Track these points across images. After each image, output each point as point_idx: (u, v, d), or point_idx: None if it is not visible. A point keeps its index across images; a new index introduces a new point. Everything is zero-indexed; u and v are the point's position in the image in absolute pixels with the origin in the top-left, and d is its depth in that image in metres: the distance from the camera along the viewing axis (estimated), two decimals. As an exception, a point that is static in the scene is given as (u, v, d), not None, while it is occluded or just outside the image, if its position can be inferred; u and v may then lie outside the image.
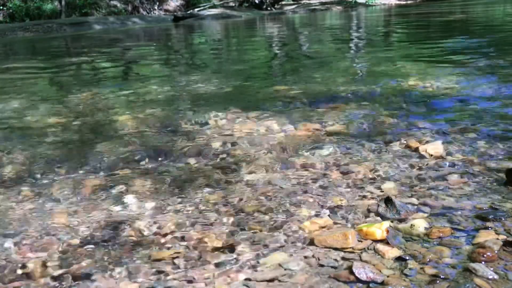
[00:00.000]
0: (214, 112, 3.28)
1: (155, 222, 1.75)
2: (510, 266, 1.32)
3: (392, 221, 1.63)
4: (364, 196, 1.85)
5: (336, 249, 1.48)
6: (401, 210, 1.67)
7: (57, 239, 1.66)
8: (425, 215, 1.66)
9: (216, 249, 1.54)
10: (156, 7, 21.82)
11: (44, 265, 1.50)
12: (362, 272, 1.33)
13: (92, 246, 1.60)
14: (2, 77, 5.98)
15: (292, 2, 25.19)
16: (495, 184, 1.87)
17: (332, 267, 1.39)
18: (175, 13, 20.22)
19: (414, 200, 1.78)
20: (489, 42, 6.31)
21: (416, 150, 2.29)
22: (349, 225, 1.63)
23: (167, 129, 2.97)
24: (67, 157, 2.56)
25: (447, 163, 2.11)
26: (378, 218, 1.67)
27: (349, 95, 3.59)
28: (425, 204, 1.74)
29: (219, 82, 4.57)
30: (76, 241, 1.64)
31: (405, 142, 2.41)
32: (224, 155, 2.43)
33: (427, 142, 2.38)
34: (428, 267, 1.34)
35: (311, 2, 24.94)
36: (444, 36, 7.97)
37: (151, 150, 2.57)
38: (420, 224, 1.58)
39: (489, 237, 1.46)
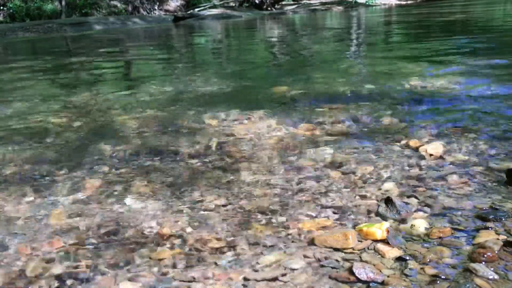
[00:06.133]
0: (214, 112, 3.28)
1: (155, 222, 1.75)
2: (510, 266, 1.32)
3: (392, 221, 1.63)
4: (364, 196, 1.85)
5: (336, 249, 1.48)
6: (401, 210, 1.67)
7: (57, 239, 1.66)
8: (425, 215, 1.66)
9: (216, 249, 1.54)
10: (156, 7, 21.82)
11: (45, 265, 1.50)
12: (362, 272, 1.33)
13: (92, 246, 1.60)
14: (2, 77, 5.99)
15: (292, 2, 25.19)
16: (495, 184, 1.87)
17: (332, 267, 1.39)
18: (176, 13, 20.22)
19: (414, 200, 1.78)
20: (489, 42, 6.31)
21: (416, 150, 2.29)
22: (350, 225, 1.63)
23: (167, 129, 2.97)
24: (67, 158, 2.56)
25: (447, 163, 2.11)
26: (379, 218, 1.67)
27: (349, 95, 3.59)
28: (425, 204, 1.74)
29: (219, 82, 4.57)
30: (77, 241, 1.64)
31: (405, 142, 2.41)
32: (224, 155, 2.43)
33: (427, 142, 2.38)
34: (429, 267, 1.34)
35: (312, 2, 24.94)
36: (444, 36, 7.97)
37: (152, 150, 2.57)
38: (420, 224, 1.58)
39: (489, 237, 1.46)
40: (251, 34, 12.60)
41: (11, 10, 17.85)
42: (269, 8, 22.59)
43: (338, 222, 1.66)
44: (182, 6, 22.45)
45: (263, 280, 1.35)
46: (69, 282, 1.41)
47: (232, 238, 1.60)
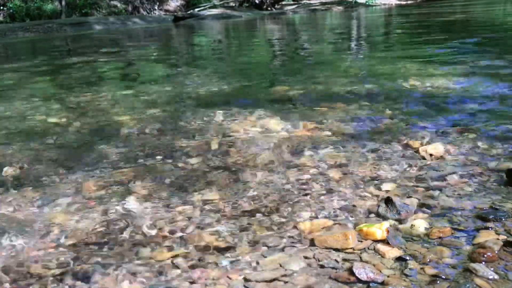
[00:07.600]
0: (214, 112, 3.28)
1: (155, 223, 1.75)
2: (510, 266, 1.32)
3: (392, 221, 1.63)
4: (364, 196, 1.85)
5: (336, 249, 1.48)
6: (401, 210, 1.67)
7: (58, 239, 1.66)
8: (426, 215, 1.66)
9: (216, 249, 1.54)
10: (156, 7, 21.82)
11: (45, 265, 1.50)
12: (363, 272, 1.33)
13: (93, 246, 1.60)
14: (3, 77, 5.99)
15: (292, 2, 25.20)
16: (495, 184, 1.87)
17: (332, 267, 1.39)
18: (176, 13, 20.23)
19: (414, 200, 1.78)
20: (489, 42, 6.31)
21: (416, 150, 2.29)
22: (350, 226, 1.63)
23: (167, 129, 2.97)
24: (68, 158, 2.56)
25: (447, 163, 2.11)
26: (379, 218, 1.67)
27: (349, 95, 3.59)
28: (425, 204, 1.74)
29: (219, 82, 4.58)
30: (77, 241, 1.64)
31: (405, 142, 2.41)
32: (224, 155, 2.43)
33: (427, 142, 2.38)
34: (429, 267, 1.34)
35: (312, 2, 24.94)
36: (444, 36, 7.97)
37: (152, 151, 2.57)
38: (420, 224, 1.58)
39: (489, 237, 1.47)
40: (251, 34, 12.60)
41: (11, 10, 17.86)
42: (269, 8, 22.60)
43: (338, 222, 1.66)
44: (182, 6, 22.46)
45: (263, 280, 1.35)
46: (70, 282, 1.41)
47: (232, 238, 1.60)
